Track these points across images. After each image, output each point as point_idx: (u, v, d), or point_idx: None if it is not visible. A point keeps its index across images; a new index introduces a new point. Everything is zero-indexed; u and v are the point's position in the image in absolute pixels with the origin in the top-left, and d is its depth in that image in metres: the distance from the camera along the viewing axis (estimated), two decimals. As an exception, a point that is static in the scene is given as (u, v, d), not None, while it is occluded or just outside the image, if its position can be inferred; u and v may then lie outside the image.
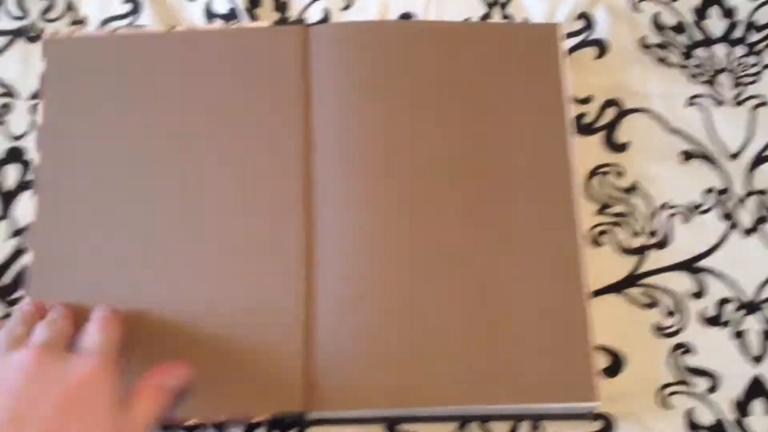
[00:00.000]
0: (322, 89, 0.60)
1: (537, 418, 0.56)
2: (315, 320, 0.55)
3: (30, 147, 0.62)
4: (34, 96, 0.64)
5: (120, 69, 0.61)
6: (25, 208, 0.60)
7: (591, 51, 0.66)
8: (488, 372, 0.54)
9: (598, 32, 0.66)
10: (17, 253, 0.60)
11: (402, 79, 0.61)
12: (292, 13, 0.68)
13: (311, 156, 0.59)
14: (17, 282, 0.59)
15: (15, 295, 0.58)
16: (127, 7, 0.67)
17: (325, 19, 0.67)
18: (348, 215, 0.57)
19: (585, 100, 0.65)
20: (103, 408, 0.46)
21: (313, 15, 0.67)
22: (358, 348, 0.55)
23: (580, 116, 0.64)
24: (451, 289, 0.56)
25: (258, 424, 0.55)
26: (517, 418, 0.56)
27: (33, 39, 0.66)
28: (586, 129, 0.64)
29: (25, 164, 0.62)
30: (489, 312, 0.56)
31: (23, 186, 0.61)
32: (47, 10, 0.67)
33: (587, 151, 0.63)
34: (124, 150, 0.59)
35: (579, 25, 0.67)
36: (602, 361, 0.57)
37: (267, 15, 0.67)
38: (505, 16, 0.67)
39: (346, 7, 0.68)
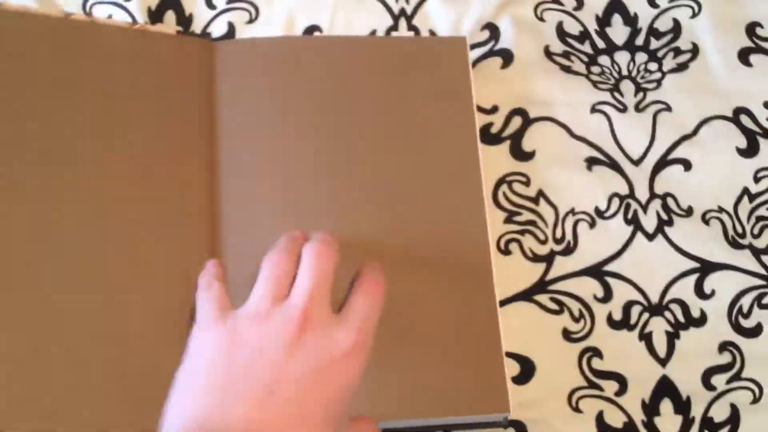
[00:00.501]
0: (228, 104, 0.60)
1: (449, 430, 0.56)
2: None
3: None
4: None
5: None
6: None
7: (496, 61, 0.67)
8: (396, 385, 0.54)
9: (503, 42, 0.67)
10: None
11: (310, 94, 0.61)
12: (196, 27, 0.67)
13: (217, 169, 0.58)
14: None
15: None
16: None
17: (230, 33, 0.66)
18: (256, 230, 0.57)
19: (491, 110, 0.65)
20: (349, 390, 0.44)
21: (218, 29, 0.67)
22: None
23: (487, 126, 0.64)
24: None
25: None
26: (429, 430, 0.56)
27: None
28: (493, 138, 0.64)
29: None
30: (396, 322, 0.55)
31: None
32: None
33: (494, 161, 0.63)
34: None
35: (484, 35, 0.68)
36: (513, 369, 0.58)
37: (170, 30, 0.66)
38: (412, 27, 0.68)
39: (251, 21, 0.67)
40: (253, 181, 0.58)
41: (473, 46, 0.67)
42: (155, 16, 0.66)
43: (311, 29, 0.67)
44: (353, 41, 0.65)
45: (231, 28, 0.67)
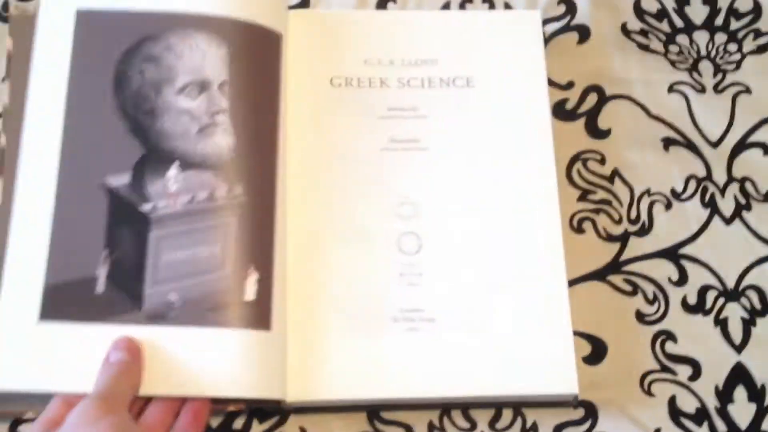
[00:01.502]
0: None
1: (518, 406, 0.55)
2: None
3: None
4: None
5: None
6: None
7: (572, 36, 0.65)
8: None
9: (579, 18, 0.66)
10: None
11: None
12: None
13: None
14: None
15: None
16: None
17: (305, 1, 0.66)
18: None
19: (566, 86, 0.64)
20: None
21: (293, -2, 0.66)
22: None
23: (561, 102, 0.63)
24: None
25: (237, 413, 0.54)
26: (498, 406, 0.55)
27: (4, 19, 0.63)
28: (568, 115, 0.63)
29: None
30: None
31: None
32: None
33: (569, 138, 0.62)
34: None
35: (560, 9, 0.66)
36: (584, 349, 0.57)
37: None
38: (486, 0, 0.67)
39: (323, -8, 0.66)
40: None
41: (549, 20, 0.65)
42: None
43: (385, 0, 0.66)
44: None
45: (305, -3, 0.66)
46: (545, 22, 0.65)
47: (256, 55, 0.58)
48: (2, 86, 0.59)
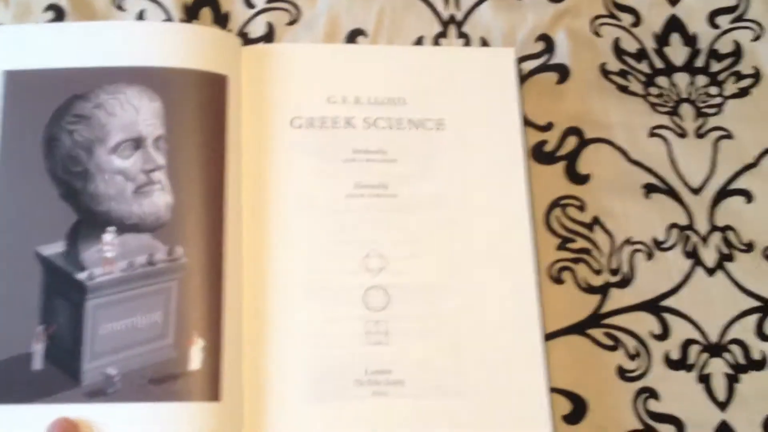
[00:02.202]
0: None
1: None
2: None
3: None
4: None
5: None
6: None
7: (552, 76, 0.63)
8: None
9: (558, 56, 0.63)
10: None
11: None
12: (233, 26, 0.62)
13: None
14: None
15: None
16: (49, 16, 0.61)
17: (269, 34, 0.62)
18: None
19: (545, 127, 0.61)
20: None
21: (257, 29, 0.62)
22: None
23: (540, 144, 0.61)
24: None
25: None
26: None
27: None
28: (547, 158, 0.61)
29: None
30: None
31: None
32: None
33: (548, 182, 0.60)
34: None
35: (539, 47, 0.64)
36: (564, 407, 0.54)
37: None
38: (462, 35, 0.64)
39: (292, 23, 0.63)
40: None
41: (527, 57, 0.63)
42: (191, 12, 0.62)
43: (355, 33, 0.63)
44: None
45: (270, 29, 0.62)
46: (523, 59, 0.63)
47: (196, 103, 0.54)
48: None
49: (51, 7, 0.62)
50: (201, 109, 0.54)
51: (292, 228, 0.54)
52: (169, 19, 0.61)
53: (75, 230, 0.51)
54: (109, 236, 0.51)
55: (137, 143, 0.52)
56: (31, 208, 0.52)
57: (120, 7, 0.62)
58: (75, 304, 0.49)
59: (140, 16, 0.62)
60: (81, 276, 0.50)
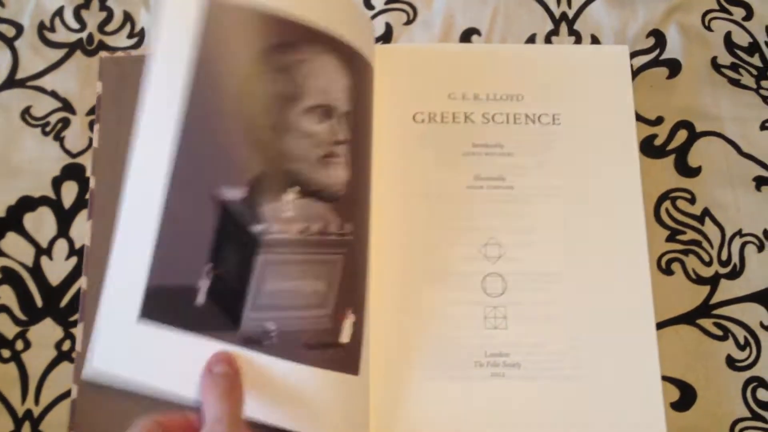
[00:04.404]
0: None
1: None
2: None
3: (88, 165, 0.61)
4: (91, 111, 0.62)
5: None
6: (81, 227, 0.59)
7: (662, 71, 0.64)
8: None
9: (670, 51, 0.65)
10: (75, 274, 0.59)
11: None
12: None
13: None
14: (74, 304, 0.58)
15: (71, 318, 0.58)
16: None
17: (387, 34, 0.65)
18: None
19: (655, 122, 0.63)
20: None
21: (376, 29, 0.66)
22: None
23: (650, 138, 0.62)
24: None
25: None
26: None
27: (91, 53, 0.64)
28: (656, 151, 0.62)
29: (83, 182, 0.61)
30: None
31: (81, 205, 0.60)
32: (105, 22, 0.66)
33: (657, 175, 0.61)
34: None
35: (650, 42, 0.65)
36: (673, 394, 0.56)
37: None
38: (573, 32, 0.66)
39: (409, 22, 0.66)
40: None
41: (638, 53, 0.64)
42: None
43: (469, 32, 0.66)
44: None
45: (388, 29, 0.66)
46: (633, 54, 0.64)
47: (368, 90, 0.57)
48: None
49: None
50: (369, 96, 0.57)
51: (416, 215, 0.57)
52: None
53: (258, 181, 0.50)
54: (291, 196, 0.51)
55: (329, 113, 0.53)
56: (217, 148, 0.50)
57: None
58: (246, 254, 0.49)
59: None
60: (257, 228, 0.50)
